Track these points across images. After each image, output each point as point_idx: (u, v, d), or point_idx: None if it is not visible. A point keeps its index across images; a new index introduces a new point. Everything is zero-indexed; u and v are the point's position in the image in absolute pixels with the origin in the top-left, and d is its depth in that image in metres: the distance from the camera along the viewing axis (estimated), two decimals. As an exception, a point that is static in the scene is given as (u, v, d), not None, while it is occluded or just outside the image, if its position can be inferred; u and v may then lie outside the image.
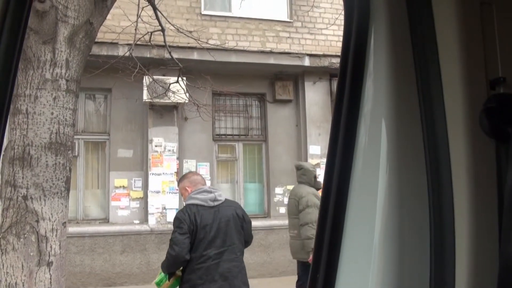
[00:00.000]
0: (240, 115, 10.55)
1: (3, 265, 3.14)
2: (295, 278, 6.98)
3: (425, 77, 1.02)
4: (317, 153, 10.16)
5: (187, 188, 4.14)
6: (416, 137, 1.02)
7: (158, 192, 9.30)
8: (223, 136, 10.39)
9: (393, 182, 1.01)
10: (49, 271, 3.20)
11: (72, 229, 8.26)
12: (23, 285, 3.11)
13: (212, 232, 3.85)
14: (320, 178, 9.80)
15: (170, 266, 3.86)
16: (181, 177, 4.46)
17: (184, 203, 4.18)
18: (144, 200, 9.43)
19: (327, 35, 10.36)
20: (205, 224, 3.85)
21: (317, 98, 10.40)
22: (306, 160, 10.18)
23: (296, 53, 10.05)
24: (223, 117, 10.42)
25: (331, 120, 1.13)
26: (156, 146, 9.41)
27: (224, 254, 3.87)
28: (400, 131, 1.02)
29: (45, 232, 3.26)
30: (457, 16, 0.97)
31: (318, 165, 10.00)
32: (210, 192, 4.07)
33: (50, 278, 3.20)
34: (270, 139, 10.45)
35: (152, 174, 9.34)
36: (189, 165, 9.79)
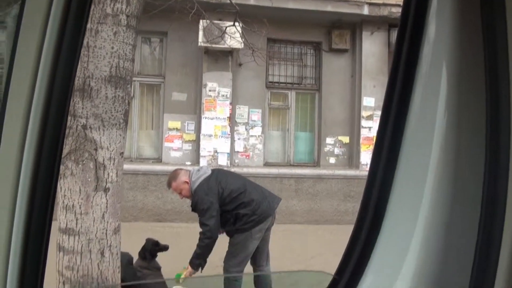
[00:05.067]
0: (294, 63, 10.44)
1: (61, 188, 3.30)
2: (339, 227, 7.03)
3: (492, 42, 0.92)
4: (371, 105, 10.00)
5: (185, 181, 4.48)
6: (476, 106, 0.95)
7: (210, 135, 9.46)
8: (276, 84, 10.36)
9: (449, 152, 0.96)
10: (106, 196, 3.35)
11: (126, 166, 8.50)
12: (79, 207, 3.27)
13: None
14: (373, 132, 9.68)
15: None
16: (170, 180, 4.73)
17: (193, 190, 4.45)
18: (197, 142, 9.62)
19: (388, -17, 9.97)
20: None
21: (374, 49, 10.14)
22: (359, 111, 10.03)
23: (355, 1, 9.75)
24: (277, 65, 10.34)
25: (386, 86, 1.06)
26: (210, 90, 9.50)
27: None
28: (460, 100, 0.96)
29: (103, 160, 3.39)
30: None
31: (371, 117, 9.87)
32: (199, 169, 4.57)
33: (107, 203, 3.35)
34: (323, 89, 10.34)
35: (205, 118, 9.48)
36: (242, 111, 9.87)
